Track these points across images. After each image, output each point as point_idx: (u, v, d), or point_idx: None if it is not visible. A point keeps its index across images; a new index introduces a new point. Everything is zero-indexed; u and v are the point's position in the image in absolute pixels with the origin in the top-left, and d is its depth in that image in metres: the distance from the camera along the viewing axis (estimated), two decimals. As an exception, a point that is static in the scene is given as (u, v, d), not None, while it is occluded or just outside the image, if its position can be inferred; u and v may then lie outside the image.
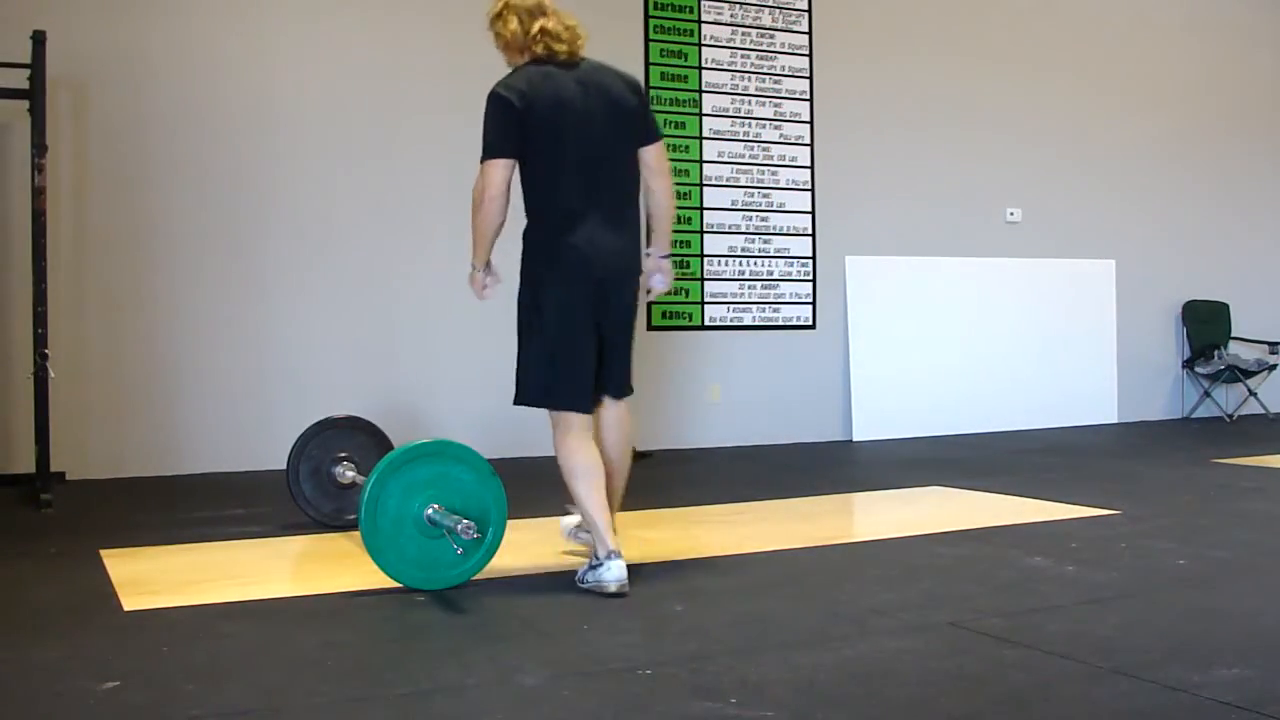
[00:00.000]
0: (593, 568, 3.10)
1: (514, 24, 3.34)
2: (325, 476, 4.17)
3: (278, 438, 5.73)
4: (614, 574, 3.04)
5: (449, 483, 3.11)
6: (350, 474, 4.10)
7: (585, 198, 3.22)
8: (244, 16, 5.77)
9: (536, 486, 5.02)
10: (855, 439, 7.08)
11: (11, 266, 5.32)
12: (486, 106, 3.24)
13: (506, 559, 3.56)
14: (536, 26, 3.29)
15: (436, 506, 3.06)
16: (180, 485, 5.31)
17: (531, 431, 6.14)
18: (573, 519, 3.60)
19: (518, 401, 3.27)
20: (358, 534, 3.99)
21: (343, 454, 4.16)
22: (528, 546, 3.70)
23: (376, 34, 6.06)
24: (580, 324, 3.20)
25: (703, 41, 6.83)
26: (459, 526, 2.99)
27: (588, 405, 3.23)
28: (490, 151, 3.18)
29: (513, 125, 3.20)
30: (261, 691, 2.28)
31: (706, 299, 6.84)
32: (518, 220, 3.27)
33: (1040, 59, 7.86)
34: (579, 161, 3.22)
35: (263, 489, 5.18)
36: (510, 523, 3.65)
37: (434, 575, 3.09)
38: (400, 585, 3.07)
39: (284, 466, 5.72)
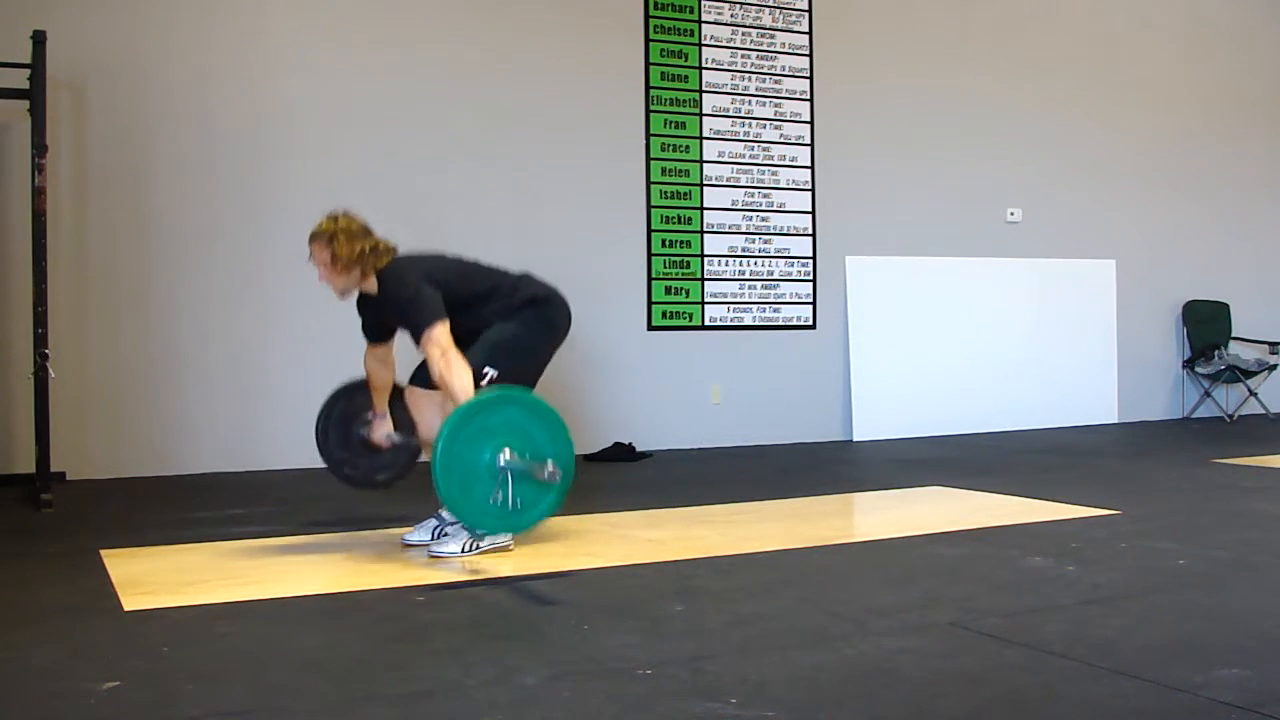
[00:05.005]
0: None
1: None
2: (354, 436, 4.08)
3: (278, 438, 5.76)
4: (510, 535, 3.58)
5: (520, 431, 3.19)
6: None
7: None
8: (244, 16, 5.77)
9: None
10: (855, 439, 7.08)
11: (11, 266, 5.32)
12: (410, 280, 3.64)
13: (505, 559, 3.56)
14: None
15: (509, 452, 3.13)
16: (180, 485, 5.31)
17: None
18: (460, 538, 3.62)
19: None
20: (358, 534, 4.01)
21: (369, 417, 4.05)
22: (527, 546, 3.70)
23: (377, 31, 6.06)
24: None
25: (703, 41, 6.83)
26: (546, 471, 3.05)
27: None
28: (440, 310, 3.59)
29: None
30: (261, 691, 2.28)
31: (706, 299, 6.84)
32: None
33: (1041, 59, 7.86)
34: None
35: (262, 489, 5.19)
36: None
37: (508, 521, 3.17)
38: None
39: (284, 467, 5.72)
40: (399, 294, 3.61)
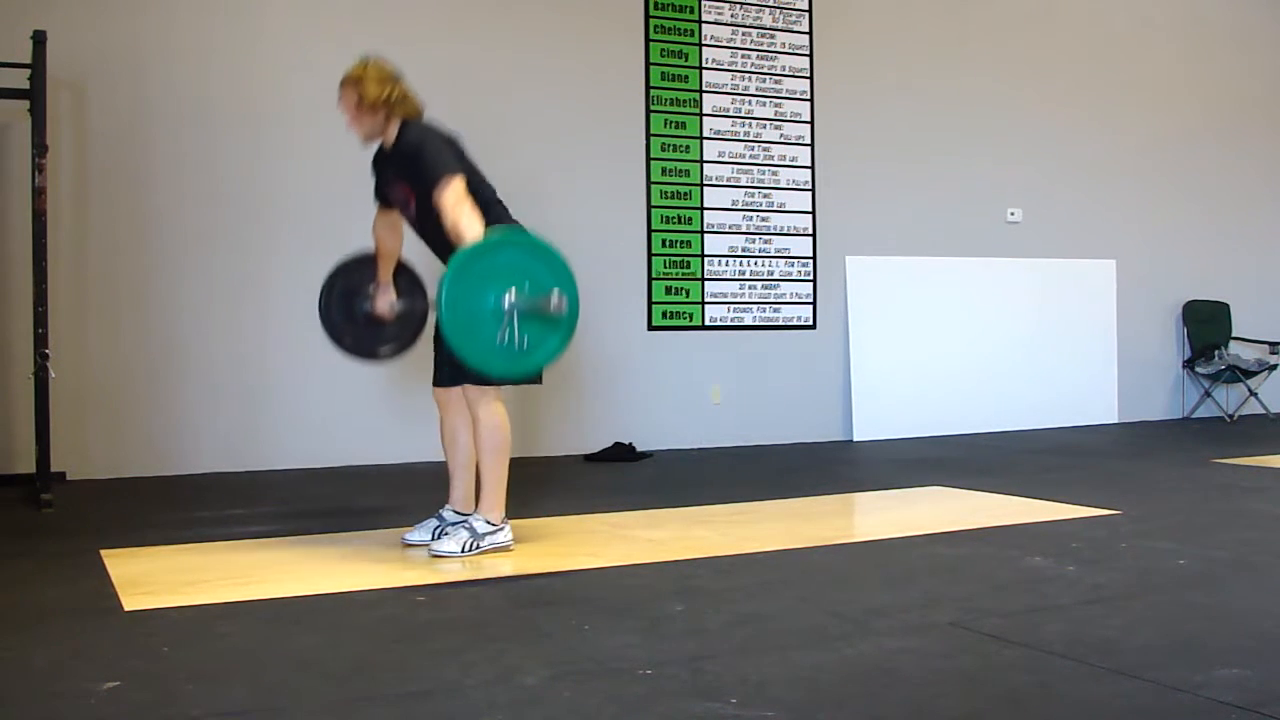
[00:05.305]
0: (493, 532, 3.59)
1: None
2: (358, 311, 4.02)
3: (278, 438, 5.77)
4: (510, 534, 3.65)
5: (524, 271, 3.21)
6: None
7: None
8: (245, 15, 5.77)
9: (536, 486, 5.02)
10: (855, 439, 7.08)
11: (11, 266, 5.32)
12: (435, 139, 3.64)
13: (506, 559, 3.57)
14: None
15: (514, 294, 3.16)
16: (180, 485, 5.31)
17: (531, 432, 6.16)
18: (460, 537, 3.58)
19: (490, 382, 3.55)
20: (358, 533, 4.01)
21: (372, 290, 3.99)
22: (527, 546, 3.71)
23: (377, 30, 6.05)
24: None
25: (703, 41, 6.83)
26: (551, 300, 3.11)
27: None
28: (458, 168, 3.58)
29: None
30: (261, 691, 2.28)
31: (706, 299, 6.84)
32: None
33: (1041, 59, 7.86)
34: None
35: (262, 489, 5.19)
36: (510, 523, 3.67)
37: (516, 361, 3.20)
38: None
39: (284, 467, 5.71)
40: (421, 141, 3.59)
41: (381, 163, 3.80)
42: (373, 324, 4.02)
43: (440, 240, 3.58)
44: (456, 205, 3.43)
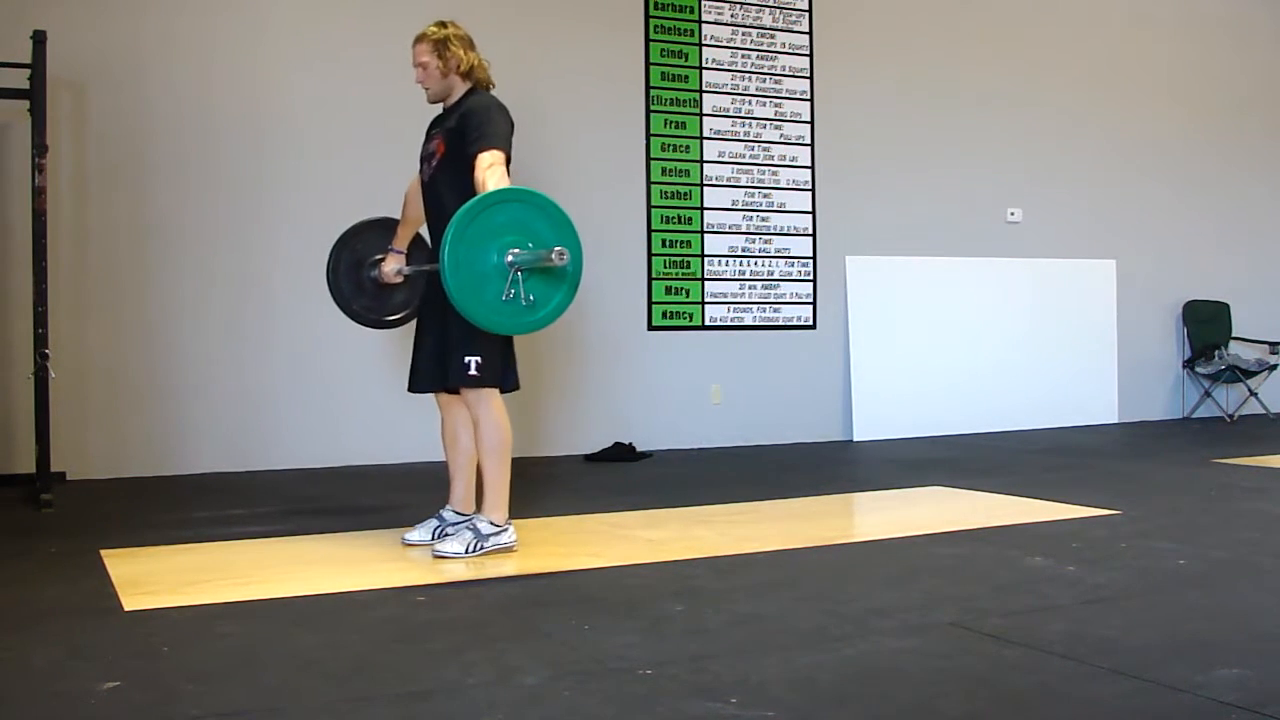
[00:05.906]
0: (497, 533, 3.57)
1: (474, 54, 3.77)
2: (366, 280, 4.04)
3: (278, 438, 5.77)
4: (514, 535, 3.62)
5: (525, 227, 3.21)
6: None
7: None
8: (246, 15, 5.77)
9: (536, 486, 5.02)
10: (855, 439, 7.07)
11: (11, 266, 5.32)
12: (498, 112, 3.59)
13: (506, 559, 3.57)
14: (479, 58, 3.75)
15: (516, 250, 3.18)
16: (180, 485, 5.31)
17: (531, 432, 6.16)
18: (464, 538, 3.58)
19: (485, 385, 3.55)
20: (358, 533, 4.01)
21: (380, 257, 4.01)
22: (527, 546, 3.71)
23: (379, 30, 6.06)
24: None
25: (703, 41, 6.83)
26: (554, 253, 3.11)
27: None
28: (506, 146, 3.52)
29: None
30: (261, 691, 2.29)
31: (706, 299, 6.84)
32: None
33: (1041, 58, 7.86)
34: None
35: (262, 489, 5.19)
36: (511, 522, 3.67)
37: (522, 318, 3.22)
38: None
39: (284, 467, 5.71)
40: (489, 107, 3.57)
41: (434, 124, 3.80)
42: (383, 290, 4.04)
43: (442, 203, 3.58)
44: (493, 167, 3.41)
